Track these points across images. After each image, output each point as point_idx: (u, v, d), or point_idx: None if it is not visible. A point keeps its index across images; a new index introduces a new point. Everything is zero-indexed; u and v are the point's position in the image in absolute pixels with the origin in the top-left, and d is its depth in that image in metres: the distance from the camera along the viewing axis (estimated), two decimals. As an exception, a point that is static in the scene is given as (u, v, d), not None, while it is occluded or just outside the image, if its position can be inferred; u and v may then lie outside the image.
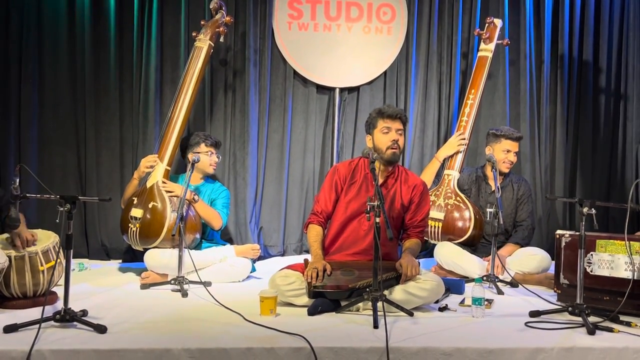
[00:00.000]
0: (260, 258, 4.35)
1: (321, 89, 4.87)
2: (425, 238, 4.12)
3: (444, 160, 4.35)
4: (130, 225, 3.77)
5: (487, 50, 4.52)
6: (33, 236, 3.09)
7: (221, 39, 4.35)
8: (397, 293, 3.03)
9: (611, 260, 3.07)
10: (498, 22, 4.55)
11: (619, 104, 4.96)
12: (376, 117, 3.33)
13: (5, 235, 3.11)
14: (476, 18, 4.87)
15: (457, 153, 4.31)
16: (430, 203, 4.09)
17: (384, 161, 3.29)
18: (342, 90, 4.85)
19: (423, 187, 3.39)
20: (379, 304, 2.78)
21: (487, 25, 4.55)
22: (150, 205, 3.78)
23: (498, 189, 3.75)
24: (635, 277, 2.95)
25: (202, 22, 4.31)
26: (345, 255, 3.28)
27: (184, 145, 4.08)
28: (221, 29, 4.29)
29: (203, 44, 4.19)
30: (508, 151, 4.08)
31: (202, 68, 4.17)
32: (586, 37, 4.93)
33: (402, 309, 2.94)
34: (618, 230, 3.90)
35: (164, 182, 3.88)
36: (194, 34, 4.29)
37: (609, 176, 5.00)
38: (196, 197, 3.83)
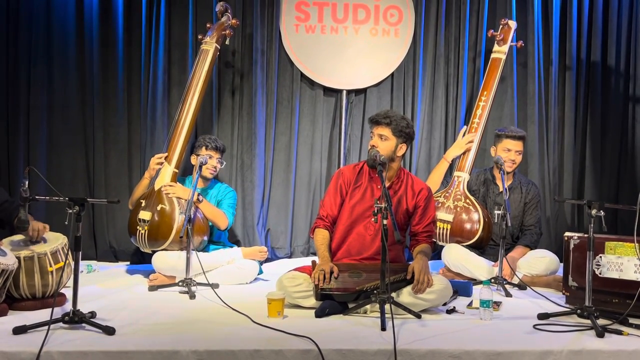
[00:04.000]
0: (267, 260, 4.36)
1: (328, 91, 4.87)
2: (433, 239, 4.11)
3: (452, 161, 4.34)
4: (138, 227, 3.79)
5: (500, 52, 4.50)
6: (44, 227, 3.11)
7: (227, 42, 4.36)
8: (405, 295, 3.02)
9: (620, 262, 3.05)
10: (512, 24, 4.54)
11: (627, 105, 4.93)
12: None
13: (13, 237, 3.13)
14: (484, 20, 4.85)
15: (466, 153, 4.30)
16: (439, 205, 4.09)
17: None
18: (349, 92, 4.85)
19: (428, 193, 3.38)
20: (387, 306, 2.77)
21: (501, 26, 4.54)
22: (158, 208, 3.79)
23: (506, 190, 3.74)
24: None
25: (208, 25, 4.33)
26: (352, 260, 3.27)
27: (192, 147, 4.11)
28: (227, 31, 4.31)
29: (209, 46, 4.21)
30: (508, 150, 4.07)
31: (208, 71, 4.18)
32: (595, 38, 4.91)
33: (409, 311, 2.93)
34: (627, 232, 3.90)
35: (170, 185, 3.88)
36: (199, 36, 4.31)
37: (618, 178, 4.97)
38: (200, 198, 3.84)
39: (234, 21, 4.35)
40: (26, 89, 4.55)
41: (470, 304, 3.24)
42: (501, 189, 4.02)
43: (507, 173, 4.07)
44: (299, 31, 4.79)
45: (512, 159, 4.06)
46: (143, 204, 3.84)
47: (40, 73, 4.56)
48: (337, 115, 4.87)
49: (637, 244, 2.94)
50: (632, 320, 2.84)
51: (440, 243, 4.12)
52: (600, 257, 3.10)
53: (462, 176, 4.24)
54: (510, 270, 3.73)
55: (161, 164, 3.92)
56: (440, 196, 4.17)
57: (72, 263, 2.79)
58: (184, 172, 4.29)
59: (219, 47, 4.27)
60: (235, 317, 2.90)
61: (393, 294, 2.93)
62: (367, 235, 3.27)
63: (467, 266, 3.88)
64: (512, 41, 4.54)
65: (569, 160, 4.95)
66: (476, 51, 4.90)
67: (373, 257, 3.24)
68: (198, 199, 3.81)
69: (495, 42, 4.54)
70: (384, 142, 3.24)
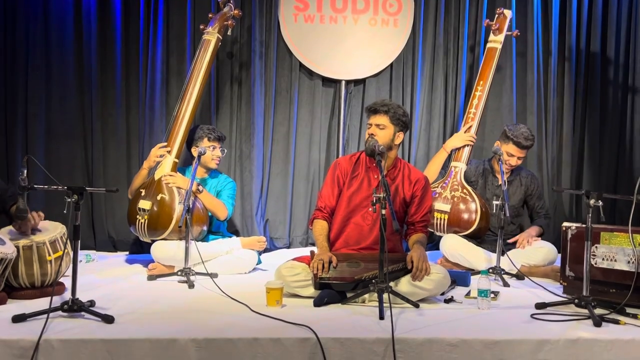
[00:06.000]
0: (266, 250, 4.37)
1: (327, 81, 4.86)
2: (431, 230, 4.12)
3: (450, 152, 4.34)
4: (138, 217, 3.79)
5: (496, 41, 4.49)
6: (39, 215, 3.12)
7: (229, 32, 4.35)
8: (403, 285, 3.04)
9: (615, 252, 3.06)
10: (508, 13, 4.52)
11: (626, 96, 4.92)
12: None
13: (12, 226, 3.14)
14: (483, 10, 4.84)
15: (465, 146, 4.29)
16: (437, 195, 4.09)
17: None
18: (348, 82, 4.84)
19: (425, 182, 3.39)
20: (385, 295, 2.78)
21: (497, 16, 4.52)
22: (158, 197, 3.79)
23: (504, 181, 3.75)
24: (638, 270, 2.94)
25: (210, 15, 4.31)
26: (351, 250, 3.28)
27: (189, 138, 4.09)
28: (229, 22, 4.30)
29: (211, 36, 4.19)
30: (511, 155, 4.05)
31: (210, 61, 4.17)
32: (594, 29, 4.90)
33: (407, 300, 2.94)
34: (625, 222, 3.91)
35: (170, 175, 3.88)
36: (201, 26, 4.29)
37: (616, 168, 4.97)
38: (200, 188, 3.84)
39: (236, 11, 4.33)
40: (24, 78, 4.54)
41: (468, 294, 3.25)
42: (500, 181, 4.04)
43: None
44: (298, 21, 4.77)
45: (512, 164, 4.06)
46: (143, 194, 3.84)
47: (38, 63, 4.54)
48: (335, 105, 4.87)
49: (631, 234, 2.95)
50: (629, 310, 2.85)
51: (438, 233, 4.13)
52: (596, 247, 3.11)
53: (459, 166, 4.23)
54: (527, 238, 3.89)
55: (163, 156, 3.91)
56: (437, 186, 4.17)
57: (71, 252, 2.79)
58: (184, 162, 4.29)
59: (221, 37, 4.26)
60: (234, 306, 2.91)
61: (391, 284, 2.94)
62: (365, 225, 3.28)
63: (465, 256, 3.89)
64: (507, 30, 4.53)
65: (567, 151, 4.96)
66: (475, 41, 4.88)
67: (371, 246, 3.25)
68: (198, 189, 3.81)
69: (491, 31, 4.53)
70: (382, 130, 3.25)
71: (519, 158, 4.07)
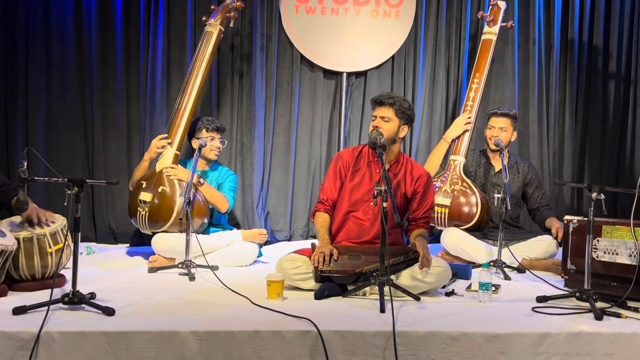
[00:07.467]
0: (267, 243, 4.37)
1: (328, 73, 4.84)
2: (431, 224, 4.12)
3: (450, 143, 4.33)
4: (139, 209, 3.78)
5: (491, 33, 4.47)
6: (49, 215, 3.12)
7: (231, 24, 4.33)
8: (404, 278, 3.03)
9: (616, 246, 3.05)
10: (502, 5, 4.51)
11: (628, 90, 4.90)
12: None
13: (12, 218, 3.13)
14: (485, 2, 4.81)
15: (464, 134, 4.28)
16: (437, 189, 4.09)
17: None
18: (349, 74, 4.82)
19: (427, 178, 3.37)
20: (386, 288, 2.78)
21: (491, 7, 4.52)
22: (159, 190, 3.79)
23: (504, 167, 3.73)
24: (639, 264, 2.93)
25: (212, 7, 4.29)
26: (352, 243, 3.28)
27: (190, 130, 4.08)
28: (232, 13, 4.28)
29: (214, 28, 4.17)
30: (492, 127, 4.08)
31: (212, 53, 4.15)
32: (597, 22, 4.87)
33: (408, 293, 2.94)
34: (627, 216, 3.90)
35: (171, 167, 3.87)
36: (204, 18, 4.27)
37: (618, 162, 4.96)
38: (201, 180, 3.84)
39: (238, 3, 4.30)
40: (24, 69, 4.52)
41: (469, 287, 3.25)
42: (497, 168, 4.09)
43: (493, 151, 4.10)
44: (299, 12, 4.75)
45: (495, 135, 4.06)
46: (144, 186, 3.83)
47: (38, 54, 4.52)
48: (337, 98, 4.85)
49: (633, 228, 2.94)
50: (630, 304, 2.84)
51: (439, 227, 4.13)
52: (598, 240, 3.11)
53: (458, 159, 4.23)
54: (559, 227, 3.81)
55: (164, 147, 3.90)
56: (437, 180, 4.16)
57: (72, 244, 2.78)
58: (185, 155, 4.27)
59: (223, 29, 4.23)
60: (235, 299, 2.91)
61: (392, 277, 2.93)
62: (367, 220, 3.27)
63: (466, 249, 3.89)
64: (502, 22, 4.51)
65: (569, 144, 4.95)
66: (477, 33, 4.86)
67: (372, 241, 3.25)
68: (199, 182, 3.80)
69: (485, 23, 4.51)
70: (386, 123, 3.23)
71: (500, 128, 4.06)
